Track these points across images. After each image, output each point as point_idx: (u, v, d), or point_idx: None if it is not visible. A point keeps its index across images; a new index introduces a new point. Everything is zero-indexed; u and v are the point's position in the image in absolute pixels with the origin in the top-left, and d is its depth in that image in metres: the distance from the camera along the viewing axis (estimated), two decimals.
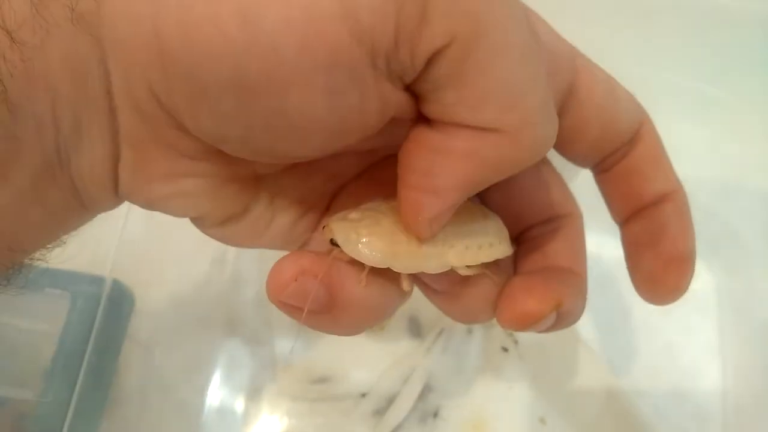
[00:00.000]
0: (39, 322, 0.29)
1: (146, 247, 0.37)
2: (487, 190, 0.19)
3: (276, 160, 0.19)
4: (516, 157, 0.16)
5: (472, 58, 0.14)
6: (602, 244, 0.39)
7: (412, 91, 0.16)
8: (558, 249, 0.21)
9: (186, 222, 0.41)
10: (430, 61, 0.15)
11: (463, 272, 0.18)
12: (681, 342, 0.38)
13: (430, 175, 0.16)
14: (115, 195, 0.18)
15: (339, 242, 0.18)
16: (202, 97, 0.15)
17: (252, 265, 0.38)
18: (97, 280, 0.30)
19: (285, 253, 0.19)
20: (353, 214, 0.19)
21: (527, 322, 0.19)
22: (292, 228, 0.21)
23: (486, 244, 0.18)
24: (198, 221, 0.20)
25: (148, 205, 0.18)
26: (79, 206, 0.17)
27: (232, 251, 0.38)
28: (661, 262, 0.20)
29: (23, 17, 0.14)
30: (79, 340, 0.29)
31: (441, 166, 0.16)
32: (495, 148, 0.15)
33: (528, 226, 0.22)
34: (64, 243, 0.19)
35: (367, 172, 0.22)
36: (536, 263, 0.21)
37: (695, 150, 0.40)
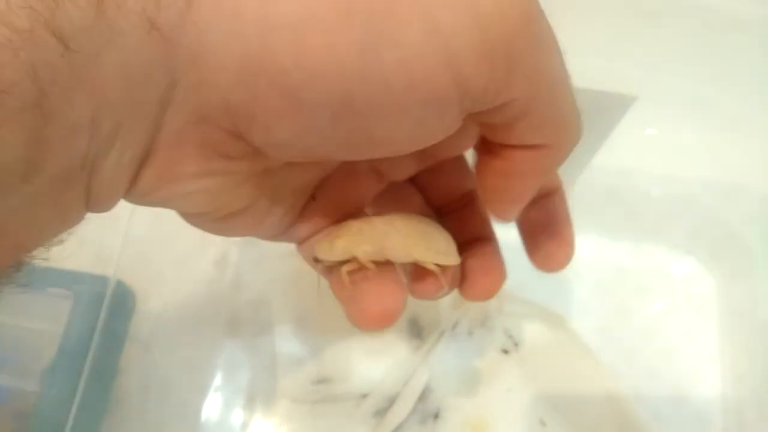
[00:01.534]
0: (41, 321, 0.29)
1: (148, 247, 0.37)
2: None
3: (317, 160, 0.20)
4: (564, 157, 0.20)
5: (539, 100, 0.18)
6: (601, 248, 0.40)
7: (475, 120, 0.19)
8: (477, 221, 0.25)
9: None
10: (506, 104, 0.17)
11: (426, 265, 0.22)
12: (681, 345, 0.38)
13: (506, 192, 0.20)
14: (126, 195, 0.18)
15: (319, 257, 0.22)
16: (294, 113, 0.16)
17: (253, 267, 0.38)
18: (100, 280, 0.30)
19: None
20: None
21: (487, 296, 0.24)
22: (283, 217, 0.22)
23: (442, 251, 0.23)
24: (202, 216, 0.20)
25: (162, 202, 0.18)
26: (84, 206, 0.17)
27: (233, 253, 0.38)
28: (555, 243, 0.24)
29: (83, 24, 0.14)
30: (82, 340, 0.29)
31: (513, 185, 0.20)
32: (551, 157, 0.19)
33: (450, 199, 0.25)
34: (63, 241, 0.18)
35: (346, 163, 0.23)
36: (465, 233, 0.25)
37: (697, 152, 0.40)
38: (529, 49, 0.17)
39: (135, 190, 0.18)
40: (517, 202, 0.21)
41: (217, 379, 0.36)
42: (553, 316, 0.37)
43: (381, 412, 0.35)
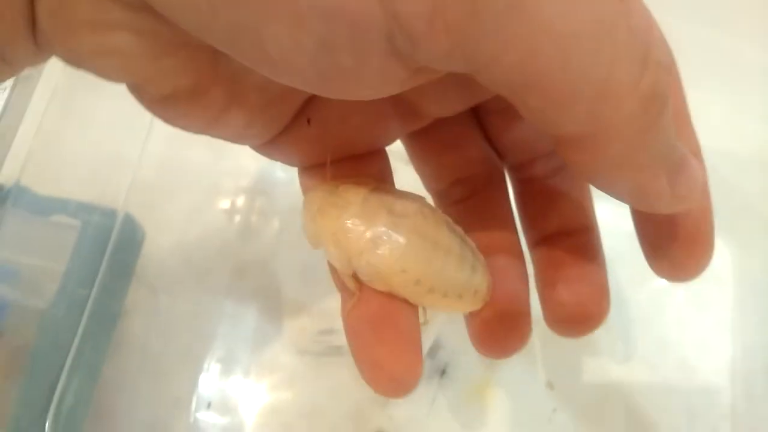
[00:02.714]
0: (46, 252, 0.28)
1: (157, 193, 0.37)
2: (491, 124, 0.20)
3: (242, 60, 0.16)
4: (631, 146, 0.15)
5: (544, 60, 0.13)
6: (617, 217, 0.39)
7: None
8: (568, 200, 0.21)
9: (199, 169, 0.40)
10: (487, 64, 0.13)
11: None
12: (692, 316, 0.37)
13: (614, 191, 0.16)
14: (35, 44, 0.15)
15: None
16: None
17: (262, 218, 0.37)
18: (109, 212, 0.30)
19: None
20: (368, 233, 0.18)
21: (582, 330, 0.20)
22: (250, 123, 0.18)
23: (451, 293, 0.18)
24: (137, 91, 0.17)
25: (75, 60, 0.16)
26: None
27: (243, 202, 0.38)
28: (683, 247, 0.19)
29: None
30: (87, 275, 0.28)
31: (610, 186, 0.16)
32: (608, 148, 0.15)
33: (535, 155, 0.21)
34: None
35: None
36: (552, 220, 0.21)
37: (715, 124, 0.39)
38: None
39: (38, 39, 0.15)
40: (647, 197, 0.15)
41: (222, 327, 0.35)
42: None
43: None
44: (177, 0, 0.14)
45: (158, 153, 0.36)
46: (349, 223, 0.17)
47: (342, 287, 0.19)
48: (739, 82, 0.38)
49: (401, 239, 0.17)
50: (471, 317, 0.20)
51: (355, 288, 0.18)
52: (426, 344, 0.34)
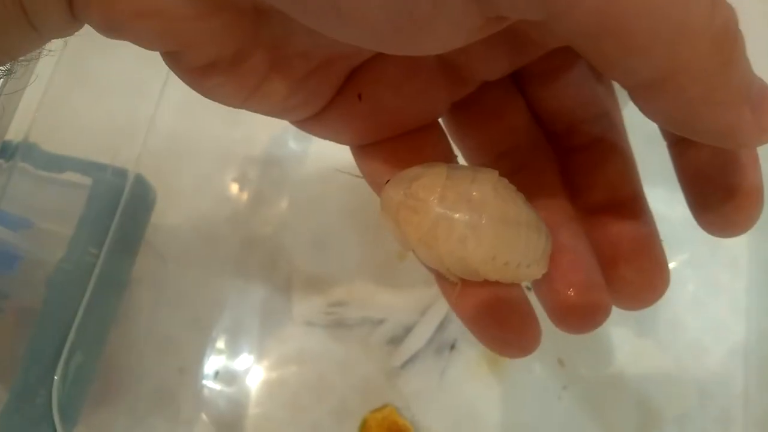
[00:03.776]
0: (57, 207, 0.27)
1: (167, 160, 0.36)
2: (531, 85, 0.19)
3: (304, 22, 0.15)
4: (701, 89, 0.14)
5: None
6: None
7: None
8: (615, 169, 0.20)
9: (210, 137, 0.40)
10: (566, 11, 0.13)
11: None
12: (707, 298, 0.37)
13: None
14: (70, 12, 0.15)
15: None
16: None
17: (273, 188, 0.37)
18: (121, 172, 0.29)
19: None
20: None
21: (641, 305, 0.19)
22: (291, 94, 0.17)
23: (524, 263, 0.18)
24: (174, 59, 0.16)
25: (114, 26, 0.15)
26: (26, 25, 0.14)
27: (254, 172, 0.37)
28: (730, 201, 0.18)
29: None
30: (98, 231, 0.27)
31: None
32: (677, 91, 0.14)
33: (577, 122, 0.20)
34: (13, 73, 0.16)
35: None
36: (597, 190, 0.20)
37: None
38: None
39: (74, 5, 0.14)
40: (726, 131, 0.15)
41: (231, 298, 0.35)
42: None
43: (396, 340, 0.34)
44: None
45: (169, 120, 0.35)
46: (432, 227, 0.17)
47: (439, 278, 0.19)
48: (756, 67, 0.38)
49: (486, 230, 0.17)
50: (550, 298, 0.19)
51: (456, 279, 0.18)
52: (436, 319, 0.34)
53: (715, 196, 0.18)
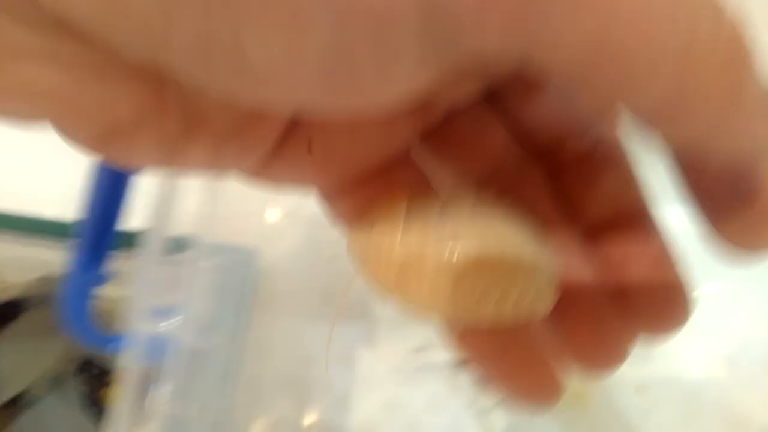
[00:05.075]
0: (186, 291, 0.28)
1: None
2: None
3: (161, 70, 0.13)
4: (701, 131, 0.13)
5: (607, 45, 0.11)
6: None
7: None
8: (615, 183, 0.18)
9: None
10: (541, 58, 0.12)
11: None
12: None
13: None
14: None
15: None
16: None
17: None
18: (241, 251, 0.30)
19: None
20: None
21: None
22: (219, 151, 0.15)
23: (524, 299, 0.16)
24: (65, 131, 0.13)
25: None
26: None
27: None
28: (751, 211, 0.15)
29: None
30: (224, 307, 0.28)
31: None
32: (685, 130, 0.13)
33: (563, 136, 0.18)
34: None
35: None
36: (602, 210, 0.18)
37: None
38: None
39: None
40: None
41: (315, 348, 0.36)
42: None
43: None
44: (116, 17, 0.11)
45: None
46: (401, 274, 0.15)
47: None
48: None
49: (463, 267, 0.15)
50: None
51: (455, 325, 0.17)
52: None
53: (735, 206, 0.15)
